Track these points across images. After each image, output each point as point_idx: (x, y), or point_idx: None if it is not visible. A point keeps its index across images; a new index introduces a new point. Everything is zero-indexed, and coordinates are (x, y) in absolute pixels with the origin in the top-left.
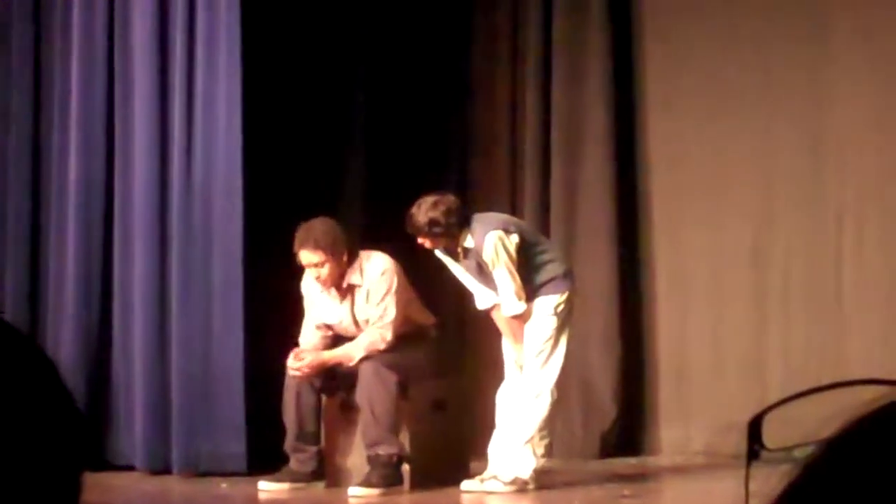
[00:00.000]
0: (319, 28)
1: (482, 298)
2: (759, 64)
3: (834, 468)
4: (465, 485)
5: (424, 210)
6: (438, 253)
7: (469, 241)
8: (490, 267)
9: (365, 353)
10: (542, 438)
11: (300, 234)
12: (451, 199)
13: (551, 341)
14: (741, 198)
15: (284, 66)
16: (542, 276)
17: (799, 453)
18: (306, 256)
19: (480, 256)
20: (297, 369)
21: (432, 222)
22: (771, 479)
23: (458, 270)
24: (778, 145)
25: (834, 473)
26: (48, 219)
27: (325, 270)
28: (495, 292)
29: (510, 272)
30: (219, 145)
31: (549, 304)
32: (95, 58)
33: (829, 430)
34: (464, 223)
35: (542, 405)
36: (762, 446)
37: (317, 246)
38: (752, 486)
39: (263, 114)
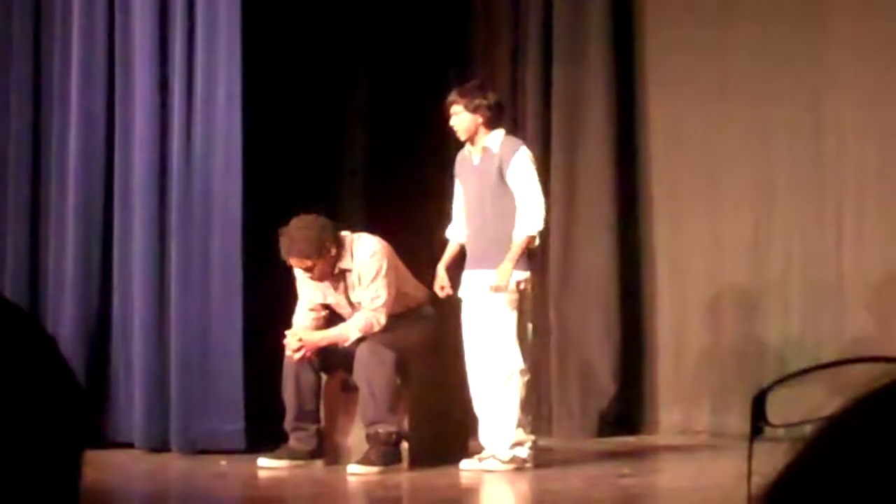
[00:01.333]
0: (320, 9)
1: (457, 230)
2: (758, 50)
3: (836, 446)
4: (465, 464)
5: (478, 83)
6: (460, 159)
7: (493, 143)
8: (515, 177)
9: (360, 334)
10: (525, 416)
11: (284, 244)
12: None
13: (513, 319)
14: (741, 182)
15: (285, 47)
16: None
17: (801, 430)
18: (295, 263)
19: (503, 163)
20: (296, 350)
21: (482, 95)
22: (773, 455)
23: (464, 180)
24: (778, 130)
25: (835, 451)
26: (48, 199)
27: (316, 270)
28: (487, 208)
29: (538, 189)
30: (218, 125)
31: (513, 280)
32: (95, 40)
33: (831, 407)
34: (495, 124)
35: (514, 386)
36: (766, 422)
37: (301, 254)
38: (754, 463)
39: (263, 93)
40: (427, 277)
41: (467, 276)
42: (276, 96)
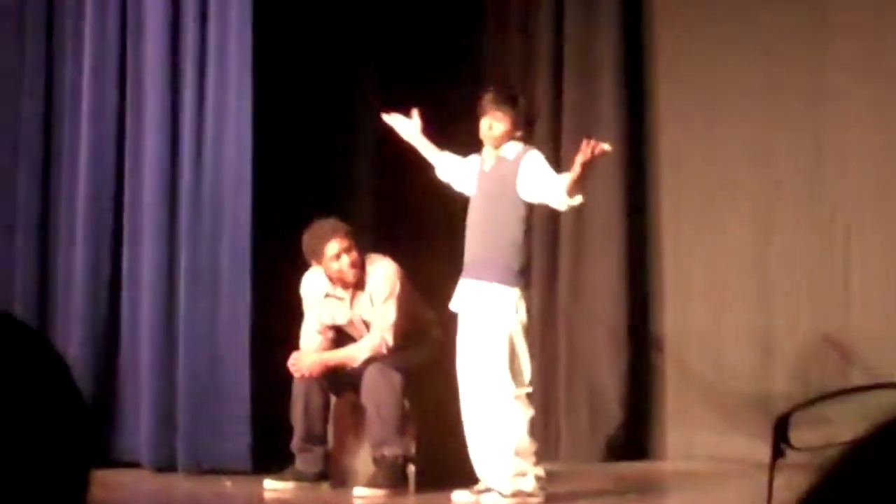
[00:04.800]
0: (331, 27)
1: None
2: (761, 68)
3: (857, 472)
4: (457, 496)
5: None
6: (483, 156)
7: (510, 152)
8: (531, 170)
9: (369, 355)
10: (531, 445)
11: (323, 230)
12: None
13: (518, 339)
14: (747, 205)
15: (295, 62)
16: (521, 262)
17: (822, 454)
18: (335, 246)
19: (514, 169)
20: (298, 370)
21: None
22: (792, 480)
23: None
24: (781, 148)
25: (857, 477)
26: (57, 218)
27: (354, 253)
28: (488, 213)
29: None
30: (229, 143)
31: (510, 297)
32: (107, 53)
33: (853, 432)
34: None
35: (517, 413)
36: (789, 445)
37: (346, 233)
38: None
39: (274, 111)
40: (437, 292)
41: (464, 285)
42: (286, 115)
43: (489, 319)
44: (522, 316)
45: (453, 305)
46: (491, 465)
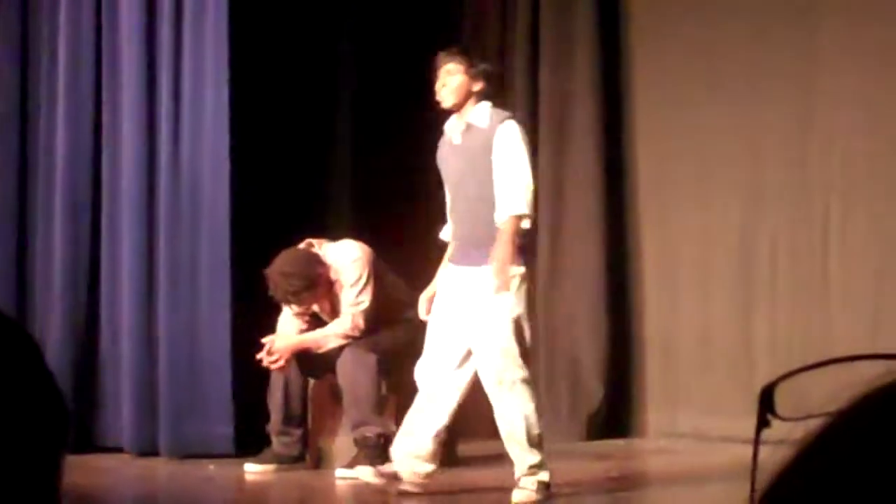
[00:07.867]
0: (307, 10)
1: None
2: (746, 48)
3: (840, 442)
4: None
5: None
6: (440, 144)
7: (479, 118)
8: (498, 151)
9: (340, 342)
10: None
11: (272, 291)
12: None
13: (524, 322)
14: (728, 182)
15: (272, 48)
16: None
17: (806, 426)
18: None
19: (489, 138)
20: (272, 363)
21: (483, 61)
22: (775, 453)
23: (445, 165)
24: (765, 130)
25: (839, 448)
26: (35, 203)
27: (306, 307)
28: (471, 191)
29: (525, 166)
30: (206, 129)
31: (512, 278)
32: (82, 43)
33: (835, 404)
34: (487, 96)
35: (525, 400)
36: (775, 415)
37: (287, 302)
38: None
39: (251, 96)
40: (417, 278)
41: (452, 272)
42: (263, 99)
43: (489, 305)
44: (524, 296)
45: (439, 290)
46: (516, 457)
